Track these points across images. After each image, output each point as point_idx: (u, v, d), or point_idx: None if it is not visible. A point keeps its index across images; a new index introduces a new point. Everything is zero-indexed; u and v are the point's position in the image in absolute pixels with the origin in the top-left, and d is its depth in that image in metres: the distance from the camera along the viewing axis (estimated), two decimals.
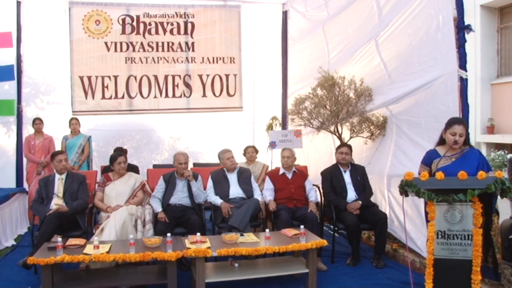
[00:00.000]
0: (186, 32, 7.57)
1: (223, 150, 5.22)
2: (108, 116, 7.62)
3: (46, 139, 6.63)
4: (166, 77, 7.56)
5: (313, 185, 5.26)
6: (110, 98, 7.36)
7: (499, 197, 3.18)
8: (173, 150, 7.62)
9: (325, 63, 6.57)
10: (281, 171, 5.21)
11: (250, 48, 8.03)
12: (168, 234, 3.75)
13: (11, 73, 6.50)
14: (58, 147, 6.63)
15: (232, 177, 5.13)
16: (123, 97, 7.42)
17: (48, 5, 7.10)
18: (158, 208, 4.71)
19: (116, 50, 7.35)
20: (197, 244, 3.71)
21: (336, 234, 4.94)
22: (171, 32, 7.52)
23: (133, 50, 7.40)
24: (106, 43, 7.31)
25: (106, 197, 4.77)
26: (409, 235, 4.52)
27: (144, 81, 7.47)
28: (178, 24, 7.54)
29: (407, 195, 3.26)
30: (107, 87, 7.33)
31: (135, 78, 7.43)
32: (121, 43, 7.36)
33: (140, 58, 7.43)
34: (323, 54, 6.84)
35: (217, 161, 5.29)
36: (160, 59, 7.51)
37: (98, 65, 7.30)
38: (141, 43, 7.41)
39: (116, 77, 7.37)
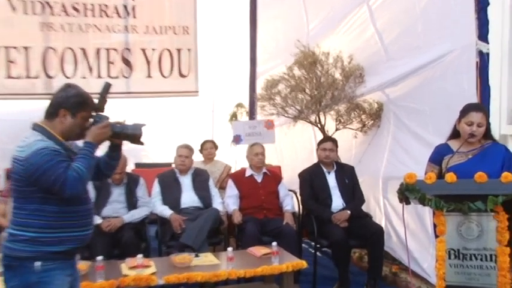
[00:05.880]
0: None
1: (180, 145, 5.30)
2: (17, 102, 7.28)
3: None
4: (98, 50, 7.33)
5: (289, 190, 5.35)
6: (19, 77, 7.04)
7: None
8: None
9: (304, 34, 6.61)
10: (248, 172, 5.28)
11: (208, 16, 7.92)
12: (99, 258, 3.64)
13: None
14: None
15: (185, 181, 5.18)
16: (37, 76, 7.13)
17: None
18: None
19: (26, 12, 6.99)
20: (138, 269, 3.68)
21: (318, 253, 4.96)
22: None
23: (52, 13, 7.07)
24: (10, 1, 6.94)
25: None
26: (412, 255, 4.53)
27: (68, 55, 7.20)
28: None
29: (408, 203, 3.22)
30: (13, 62, 7.00)
31: (55, 51, 7.16)
32: (32, 2, 7.02)
33: (61, 24, 7.12)
34: (301, 23, 6.88)
35: (165, 161, 5.32)
36: (90, 26, 7.26)
37: (0, 32, 6.95)
38: (63, 4, 7.10)
39: (26, 49, 7.03)
